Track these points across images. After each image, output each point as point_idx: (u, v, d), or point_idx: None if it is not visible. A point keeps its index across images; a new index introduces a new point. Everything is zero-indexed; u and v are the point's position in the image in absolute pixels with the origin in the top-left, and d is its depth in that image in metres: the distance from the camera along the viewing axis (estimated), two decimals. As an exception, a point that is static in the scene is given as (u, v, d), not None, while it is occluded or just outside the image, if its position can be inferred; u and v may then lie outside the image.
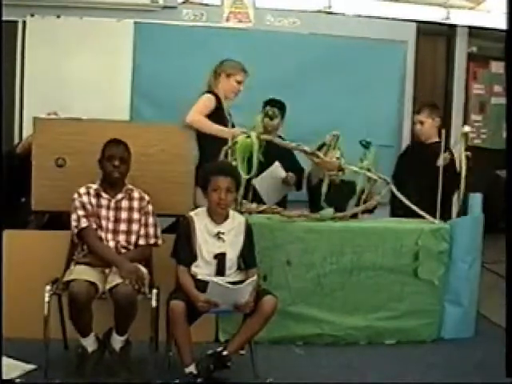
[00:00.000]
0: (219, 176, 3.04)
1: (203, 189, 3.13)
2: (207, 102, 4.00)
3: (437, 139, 4.21)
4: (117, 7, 5.21)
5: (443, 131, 3.92)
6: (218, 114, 3.99)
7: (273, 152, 3.87)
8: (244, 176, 3.49)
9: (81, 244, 3.17)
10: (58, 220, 3.52)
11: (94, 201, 3.16)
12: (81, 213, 3.13)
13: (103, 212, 3.16)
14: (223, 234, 3.06)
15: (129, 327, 2.97)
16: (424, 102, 4.79)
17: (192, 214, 3.12)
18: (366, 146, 3.84)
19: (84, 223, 3.11)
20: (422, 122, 4.33)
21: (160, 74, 5.20)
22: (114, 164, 3.14)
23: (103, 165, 3.18)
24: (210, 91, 4.06)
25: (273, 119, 4.19)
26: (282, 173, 4.28)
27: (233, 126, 3.96)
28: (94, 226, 3.14)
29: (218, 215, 3.08)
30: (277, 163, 4.22)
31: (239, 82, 4.10)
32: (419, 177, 4.12)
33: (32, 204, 3.56)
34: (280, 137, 4.22)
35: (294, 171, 4.35)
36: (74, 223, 3.13)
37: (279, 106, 4.33)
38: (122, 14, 5.23)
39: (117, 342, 3.01)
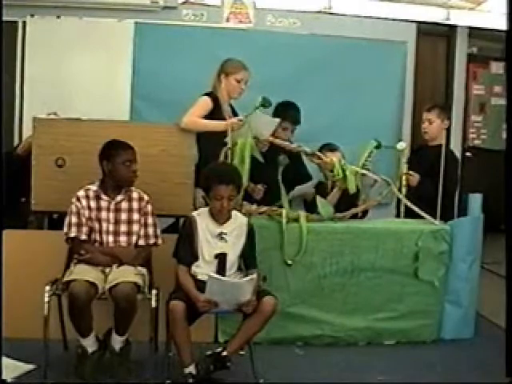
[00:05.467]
0: (221, 185, 2.99)
1: (205, 191, 3.11)
2: (202, 104, 3.88)
3: (441, 142, 4.09)
4: (117, 7, 5.19)
5: (444, 132, 3.89)
6: (215, 116, 3.86)
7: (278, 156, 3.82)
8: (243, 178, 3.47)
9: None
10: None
11: (93, 204, 3.16)
12: (74, 220, 3.12)
13: (103, 214, 3.16)
14: (225, 234, 3.06)
15: (129, 327, 2.98)
16: (436, 102, 4.68)
17: (194, 214, 3.12)
18: (378, 146, 3.80)
19: (73, 233, 3.12)
20: (430, 121, 4.23)
21: (160, 74, 5.18)
22: (132, 169, 3.15)
23: (115, 168, 3.13)
24: (208, 93, 3.96)
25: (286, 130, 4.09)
26: (310, 193, 4.13)
27: None
28: (85, 236, 3.13)
29: (220, 216, 3.07)
30: (310, 183, 4.15)
31: (239, 81, 3.95)
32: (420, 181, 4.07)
33: (32, 204, 3.56)
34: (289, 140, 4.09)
35: (301, 177, 4.23)
36: (65, 228, 3.15)
37: (294, 110, 4.18)
38: (122, 14, 5.21)
39: (117, 342, 3.01)
